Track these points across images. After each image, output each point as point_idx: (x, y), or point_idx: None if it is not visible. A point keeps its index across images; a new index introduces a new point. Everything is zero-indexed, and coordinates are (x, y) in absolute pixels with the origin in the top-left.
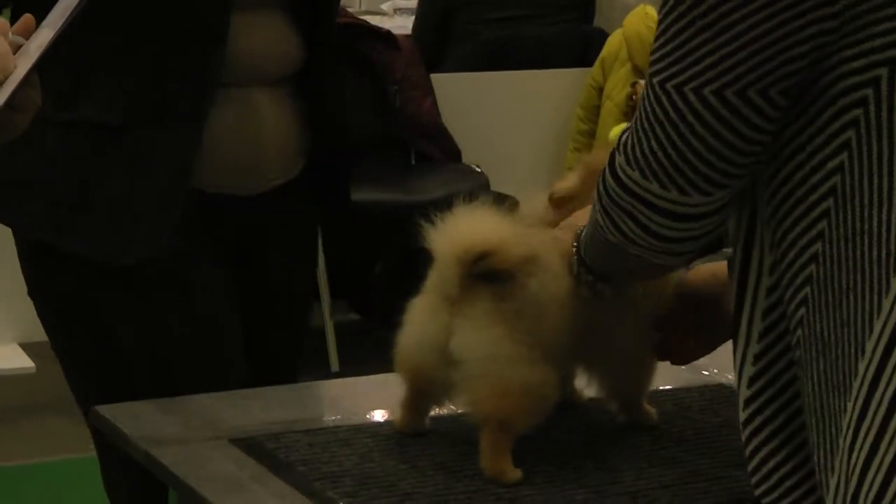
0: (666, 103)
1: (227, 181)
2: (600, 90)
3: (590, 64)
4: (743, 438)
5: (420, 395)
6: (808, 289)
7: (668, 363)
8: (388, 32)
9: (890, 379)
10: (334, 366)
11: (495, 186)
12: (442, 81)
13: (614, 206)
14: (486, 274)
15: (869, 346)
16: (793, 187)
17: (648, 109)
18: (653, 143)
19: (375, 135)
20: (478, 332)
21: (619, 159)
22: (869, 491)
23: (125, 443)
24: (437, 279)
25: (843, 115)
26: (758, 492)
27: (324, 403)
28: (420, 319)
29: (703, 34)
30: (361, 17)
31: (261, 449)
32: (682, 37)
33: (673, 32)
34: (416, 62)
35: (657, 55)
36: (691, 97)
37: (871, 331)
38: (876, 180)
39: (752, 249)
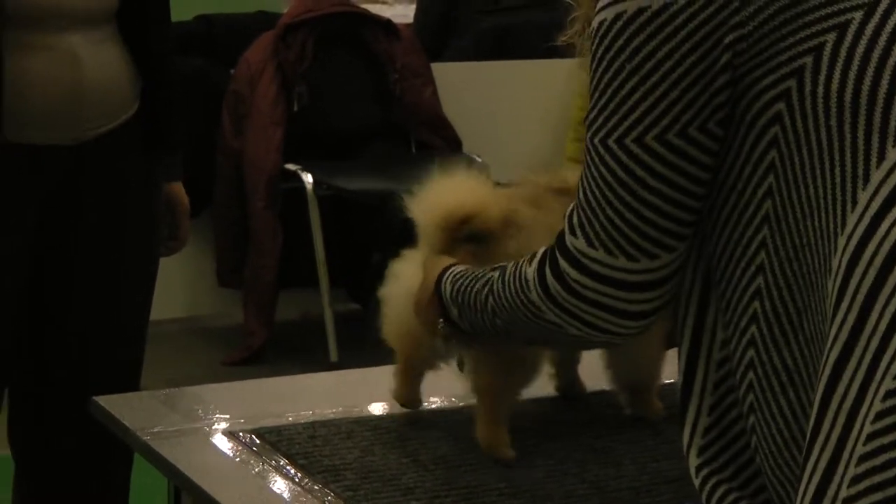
0: (612, 162)
1: (41, 130)
2: None
3: None
4: (697, 481)
5: (412, 361)
6: (753, 328)
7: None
8: (389, 21)
9: (851, 380)
10: (333, 355)
11: (496, 176)
12: (443, 70)
13: (579, 301)
14: (469, 237)
15: (824, 357)
16: (731, 230)
17: (595, 175)
18: (608, 211)
19: (376, 124)
20: None
21: (577, 242)
22: (841, 482)
23: (125, 434)
24: (423, 245)
25: (763, 137)
26: None
27: (325, 396)
28: (406, 286)
29: (633, 79)
30: (362, 6)
31: (262, 441)
32: (614, 85)
33: (605, 83)
34: (417, 51)
35: (593, 113)
36: (635, 149)
37: (828, 337)
38: (803, 191)
39: (708, 307)
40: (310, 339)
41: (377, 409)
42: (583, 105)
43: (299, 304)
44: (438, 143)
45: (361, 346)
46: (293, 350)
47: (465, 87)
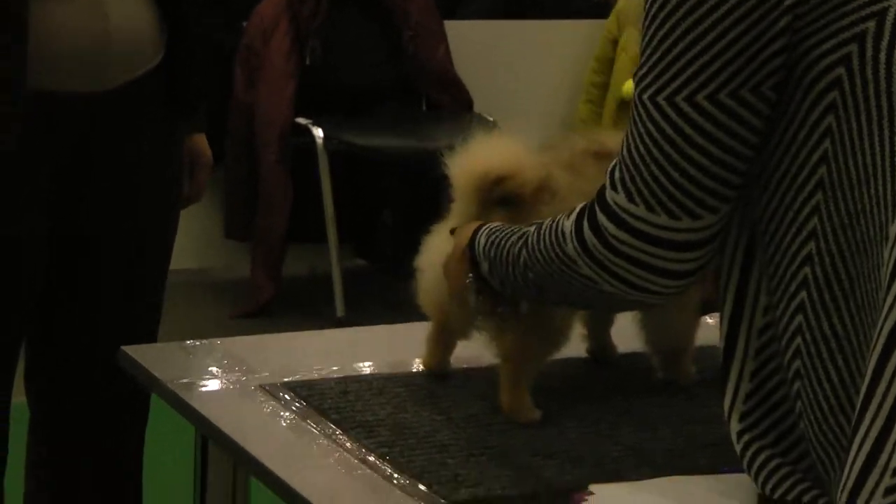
0: (660, 119)
1: (65, 77)
2: (615, 42)
3: (608, 15)
4: (738, 447)
5: (444, 328)
6: (803, 293)
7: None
8: None
9: None
10: (340, 311)
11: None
12: (456, 29)
13: (616, 256)
14: (503, 199)
15: (879, 326)
16: (782, 194)
17: (641, 131)
18: (653, 167)
19: (388, 81)
20: None
21: (617, 198)
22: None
23: (154, 384)
24: (457, 205)
25: (820, 102)
26: (767, 488)
27: (356, 351)
28: (439, 252)
29: (689, 36)
30: None
31: (293, 395)
32: (667, 42)
33: (658, 40)
34: (431, 8)
35: (643, 70)
36: (685, 107)
37: (883, 305)
38: (860, 158)
39: (752, 272)
40: (317, 294)
41: (409, 365)
42: (596, 68)
43: (307, 260)
44: (449, 101)
45: (368, 303)
46: (300, 305)
47: (478, 46)
